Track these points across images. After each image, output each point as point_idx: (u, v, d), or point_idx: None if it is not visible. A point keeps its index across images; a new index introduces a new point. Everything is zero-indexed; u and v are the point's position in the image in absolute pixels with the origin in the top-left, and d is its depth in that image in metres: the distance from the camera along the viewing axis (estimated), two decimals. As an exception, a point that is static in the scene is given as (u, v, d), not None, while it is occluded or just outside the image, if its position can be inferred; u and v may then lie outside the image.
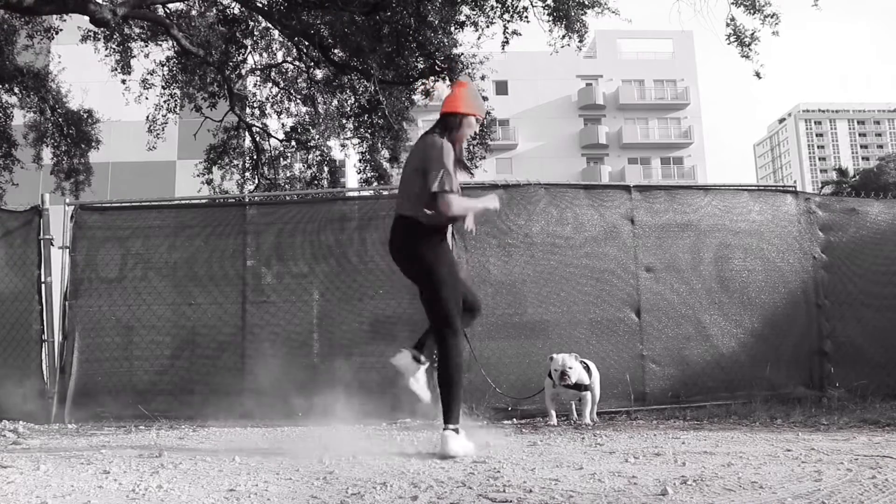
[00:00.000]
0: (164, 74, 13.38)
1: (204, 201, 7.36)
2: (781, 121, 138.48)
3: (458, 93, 3.53)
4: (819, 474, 2.63)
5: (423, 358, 3.48)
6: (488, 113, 11.82)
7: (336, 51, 11.41)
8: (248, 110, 14.64)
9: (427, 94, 12.06)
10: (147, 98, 13.81)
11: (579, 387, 4.70)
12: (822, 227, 6.04)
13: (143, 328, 5.50)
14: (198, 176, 15.36)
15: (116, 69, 13.12)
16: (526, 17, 10.36)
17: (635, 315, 5.50)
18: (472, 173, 3.68)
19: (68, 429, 5.04)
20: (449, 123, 3.48)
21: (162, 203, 6.49)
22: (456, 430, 3.29)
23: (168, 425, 4.92)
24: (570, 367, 4.62)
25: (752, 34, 9.88)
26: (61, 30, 12.92)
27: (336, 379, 5.23)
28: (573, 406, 5.08)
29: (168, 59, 13.10)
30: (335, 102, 13.93)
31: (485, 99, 11.60)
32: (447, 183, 3.32)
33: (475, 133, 3.69)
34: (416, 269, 3.43)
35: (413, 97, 12.59)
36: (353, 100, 12.84)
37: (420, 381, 3.50)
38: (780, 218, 5.93)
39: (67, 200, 6.02)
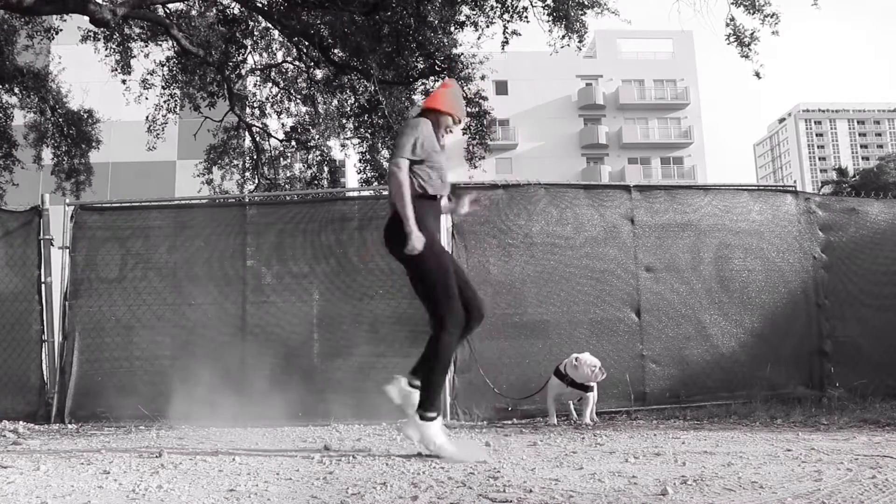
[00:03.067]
0: (163, 74, 13.38)
1: (204, 201, 7.36)
2: (781, 121, 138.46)
3: (440, 91, 3.59)
4: (819, 474, 2.63)
5: (418, 383, 3.36)
6: (488, 113, 11.83)
7: (336, 51, 11.41)
8: (248, 110, 14.64)
9: (427, 94, 12.05)
10: (147, 98, 13.82)
11: (585, 387, 4.71)
12: (822, 226, 6.04)
13: (143, 328, 5.50)
14: (198, 176, 15.37)
15: (116, 69, 13.12)
16: (526, 17, 10.36)
17: (635, 315, 5.50)
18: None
19: (68, 429, 5.04)
20: (428, 119, 3.51)
21: (162, 203, 6.49)
22: (424, 417, 3.20)
23: (168, 425, 4.92)
24: (596, 366, 4.66)
25: (752, 34, 9.88)
26: (61, 30, 12.92)
27: (336, 379, 5.23)
28: (572, 406, 5.08)
29: (168, 59, 13.10)
30: (335, 102, 13.93)
31: (484, 99, 11.69)
32: (398, 152, 3.35)
33: (449, 131, 3.62)
34: (401, 257, 3.37)
35: (413, 97, 12.59)
36: (353, 100, 12.84)
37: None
38: (780, 218, 5.93)
39: (67, 200, 6.02)
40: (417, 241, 3.25)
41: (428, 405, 3.24)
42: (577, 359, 4.69)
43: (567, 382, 4.71)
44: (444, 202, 3.58)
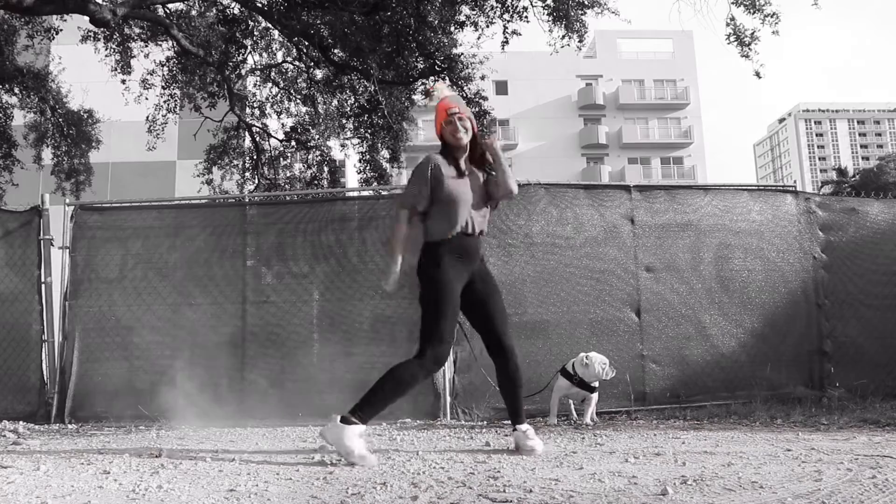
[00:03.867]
0: (163, 74, 13.39)
1: (204, 201, 7.35)
2: (781, 121, 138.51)
3: (436, 111, 3.52)
4: (819, 474, 2.63)
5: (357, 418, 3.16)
6: (488, 113, 11.82)
7: (336, 51, 11.41)
8: (247, 110, 14.64)
9: (427, 94, 12.04)
10: (147, 98, 13.83)
11: (590, 387, 4.71)
12: (822, 226, 6.04)
13: (143, 328, 5.50)
14: (198, 176, 15.37)
15: (116, 69, 13.13)
16: (526, 17, 10.37)
17: (635, 315, 5.50)
18: (491, 172, 3.45)
19: (68, 429, 5.04)
20: (441, 141, 3.50)
21: (162, 203, 6.49)
22: (346, 420, 3.09)
23: (168, 425, 4.92)
24: (606, 363, 4.66)
25: (752, 34, 9.89)
26: (61, 30, 12.92)
27: (336, 379, 5.23)
28: (573, 406, 5.08)
29: (168, 59, 13.11)
30: (335, 102, 13.93)
31: (484, 99, 11.69)
32: (403, 199, 3.40)
33: (463, 119, 3.40)
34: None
35: (413, 97, 12.59)
36: (353, 100, 12.84)
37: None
38: (780, 218, 5.93)
39: (67, 201, 6.02)
40: (390, 282, 3.33)
41: (358, 410, 3.15)
42: (587, 357, 4.68)
43: (576, 382, 4.69)
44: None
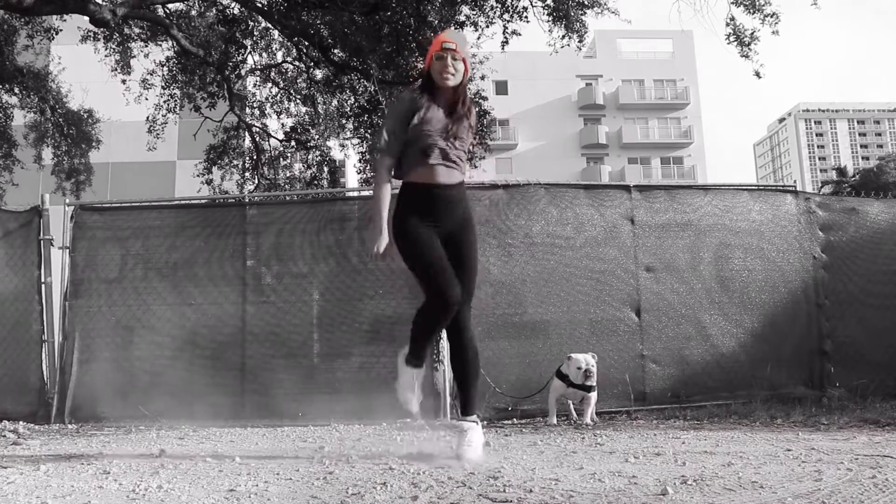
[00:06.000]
0: (163, 74, 13.38)
1: (204, 201, 7.36)
2: (781, 120, 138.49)
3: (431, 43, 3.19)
4: (819, 474, 2.63)
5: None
6: (488, 113, 11.81)
7: (336, 51, 11.41)
8: (247, 110, 14.63)
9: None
10: (147, 98, 13.82)
11: (587, 387, 4.71)
12: (822, 226, 6.04)
13: (143, 328, 5.50)
14: (198, 176, 15.35)
15: (116, 69, 13.13)
16: (526, 17, 10.36)
17: (635, 315, 5.50)
18: (475, 135, 3.15)
19: (68, 429, 5.04)
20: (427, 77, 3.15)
21: (162, 203, 6.49)
22: (407, 361, 3.09)
23: (168, 425, 4.92)
24: (592, 367, 4.66)
25: (752, 34, 9.88)
26: (61, 30, 12.92)
27: (336, 379, 5.23)
28: (572, 406, 5.08)
29: (168, 59, 13.10)
30: (335, 102, 13.91)
31: (484, 99, 11.68)
32: (381, 140, 3.07)
33: (457, 58, 3.11)
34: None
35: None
36: (353, 100, 12.83)
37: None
38: (780, 217, 5.93)
39: (67, 201, 6.02)
40: (375, 244, 3.01)
41: (408, 351, 3.11)
42: (569, 358, 4.73)
43: (567, 383, 4.72)
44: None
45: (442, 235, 3.05)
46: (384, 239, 3.00)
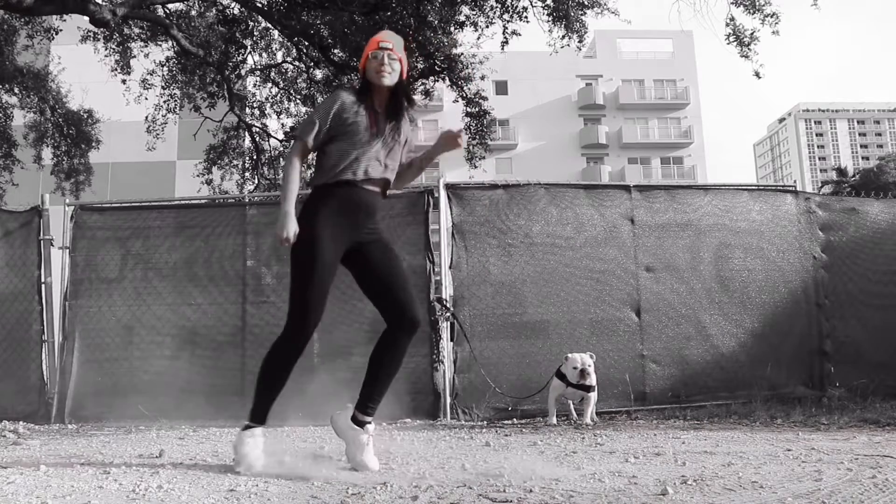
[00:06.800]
0: (163, 74, 13.39)
1: (204, 201, 7.35)
2: (781, 120, 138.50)
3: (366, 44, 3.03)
4: (819, 474, 2.63)
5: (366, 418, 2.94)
6: (487, 112, 11.81)
7: (336, 51, 11.41)
8: (247, 110, 14.64)
9: (427, 94, 12.05)
10: (147, 98, 13.83)
11: (587, 387, 4.71)
12: (822, 226, 6.04)
13: (143, 328, 5.50)
14: (198, 176, 15.36)
15: (116, 69, 13.14)
16: (526, 17, 10.37)
17: (635, 315, 5.50)
18: (398, 124, 2.95)
19: (68, 429, 5.04)
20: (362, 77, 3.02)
21: (162, 203, 6.48)
22: (246, 428, 2.95)
23: (168, 425, 4.92)
24: (589, 366, 4.66)
25: (752, 34, 9.90)
26: (61, 30, 12.93)
27: (336, 379, 5.23)
28: (572, 406, 5.08)
29: (168, 59, 13.11)
30: (335, 102, 13.90)
31: (484, 99, 11.68)
32: (305, 126, 2.93)
33: (393, 57, 2.93)
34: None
35: (412, 97, 12.55)
36: (353, 100, 12.81)
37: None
38: (780, 217, 5.93)
39: (67, 201, 6.02)
40: (284, 228, 2.81)
41: (251, 413, 3.02)
42: (566, 358, 4.74)
43: (567, 383, 4.72)
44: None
45: (352, 244, 2.95)
46: (293, 223, 2.83)
